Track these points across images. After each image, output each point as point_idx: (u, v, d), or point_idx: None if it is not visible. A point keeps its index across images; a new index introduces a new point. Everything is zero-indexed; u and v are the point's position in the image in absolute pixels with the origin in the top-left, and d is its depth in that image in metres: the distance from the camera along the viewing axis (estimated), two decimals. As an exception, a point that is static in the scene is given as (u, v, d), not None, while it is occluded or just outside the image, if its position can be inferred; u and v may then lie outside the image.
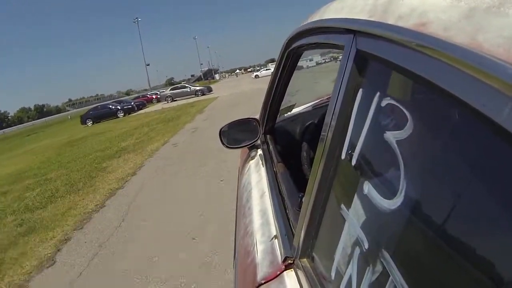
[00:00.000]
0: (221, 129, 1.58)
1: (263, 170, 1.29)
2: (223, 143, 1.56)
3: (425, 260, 0.35)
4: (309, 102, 1.94)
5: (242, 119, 1.61)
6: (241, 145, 1.59)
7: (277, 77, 1.35)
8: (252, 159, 1.49)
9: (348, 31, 0.54)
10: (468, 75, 0.25)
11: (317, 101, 1.90)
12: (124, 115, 21.69)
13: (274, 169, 1.22)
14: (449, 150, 0.32)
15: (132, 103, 24.29)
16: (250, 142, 1.53)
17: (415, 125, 0.37)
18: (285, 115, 1.80)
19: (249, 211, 1.07)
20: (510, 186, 0.24)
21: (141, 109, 24.87)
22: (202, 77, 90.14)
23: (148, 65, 56.81)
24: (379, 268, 0.41)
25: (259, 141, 1.55)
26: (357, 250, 0.46)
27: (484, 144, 0.27)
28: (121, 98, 40.91)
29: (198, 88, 26.07)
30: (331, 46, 0.73)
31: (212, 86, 29.94)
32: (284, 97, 1.48)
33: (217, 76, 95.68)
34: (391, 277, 0.37)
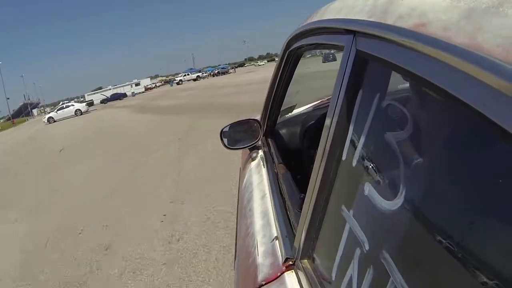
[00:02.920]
0: (222, 129, 1.58)
1: (264, 171, 1.29)
2: (223, 144, 1.56)
3: (425, 260, 0.34)
4: (310, 103, 1.94)
5: (242, 120, 1.61)
6: (242, 146, 1.59)
7: (278, 78, 1.35)
8: (253, 160, 1.49)
9: (348, 31, 0.54)
10: (467, 75, 0.25)
11: (318, 102, 1.90)
12: None
13: (275, 170, 1.22)
14: (449, 150, 0.32)
15: None
16: (251, 143, 1.53)
17: (415, 125, 0.37)
18: (286, 116, 1.80)
19: (250, 212, 1.07)
20: (510, 186, 0.24)
21: None
22: (10, 115, 60.93)
23: None
24: (380, 269, 0.41)
25: (260, 142, 1.55)
26: (358, 251, 0.46)
27: (484, 144, 0.27)
28: None
29: None
30: (331, 47, 0.73)
31: None
32: (285, 98, 1.48)
33: (35, 112, 68.26)
34: (391, 278, 0.37)
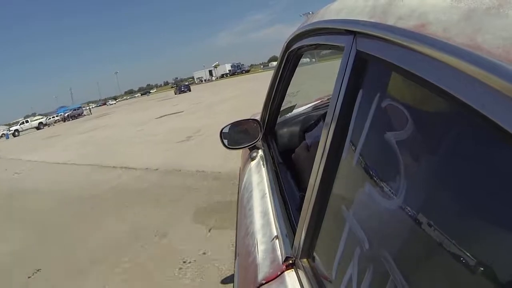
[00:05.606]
0: (221, 129, 1.58)
1: (264, 170, 1.29)
2: (223, 144, 1.57)
3: (425, 260, 0.35)
4: (310, 103, 1.94)
5: (242, 119, 1.61)
6: (241, 146, 1.59)
7: (278, 78, 1.35)
8: (253, 160, 1.49)
9: (348, 32, 0.54)
10: (467, 76, 0.26)
11: (318, 101, 1.91)
12: None
13: (275, 169, 1.22)
14: (449, 150, 0.32)
15: None
16: (251, 143, 1.53)
17: (415, 125, 0.37)
18: (286, 116, 1.80)
19: (250, 211, 1.07)
20: (510, 186, 0.24)
21: None
22: None
23: None
24: (380, 268, 0.41)
25: (259, 142, 1.55)
26: (358, 250, 0.46)
27: (484, 145, 0.28)
28: None
29: None
30: (331, 47, 0.73)
31: None
32: (285, 98, 1.49)
33: None
34: (391, 277, 0.37)
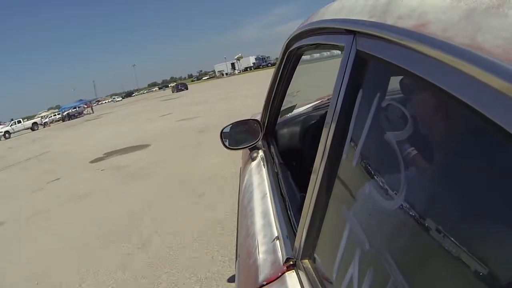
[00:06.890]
0: (222, 130, 1.58)
1: (264, 171, 1.29)
2: (224, 144, 1.57)
3: (426, 260, 0.35)
4: (310, 103, 1.94)
5: (242, 120, 1.61)
6: (242, 146, 1.59)
7: (278, 78, 1.35)
8: (253, 160, 1.49)
9: (348, 31, 0.54)
10: (467, 76, 0.25)
11: (318, 102, 1.90)
12: None
13: (276, 170, 1.22)
14: (449, 150, 0.32)
15: None
16: (251, 143, 1.53)
17: (415, 125, 0.37)
18: (286, 116, 1.80)
19: (251, 212, 1.07)
20: (510, 186, 0.24)
21: None
22: None
23: None
24: (380, 268, 0.41)
25: (260, 142, 1.55)
26: (359, 251, 0.46)
27: (484, 144, 0.27)
28: None
29: None
30: (331, 47, 0.73)
31: None
32: (285, 98, 1.48)
33: None
34: (392, 278, 0.37)
